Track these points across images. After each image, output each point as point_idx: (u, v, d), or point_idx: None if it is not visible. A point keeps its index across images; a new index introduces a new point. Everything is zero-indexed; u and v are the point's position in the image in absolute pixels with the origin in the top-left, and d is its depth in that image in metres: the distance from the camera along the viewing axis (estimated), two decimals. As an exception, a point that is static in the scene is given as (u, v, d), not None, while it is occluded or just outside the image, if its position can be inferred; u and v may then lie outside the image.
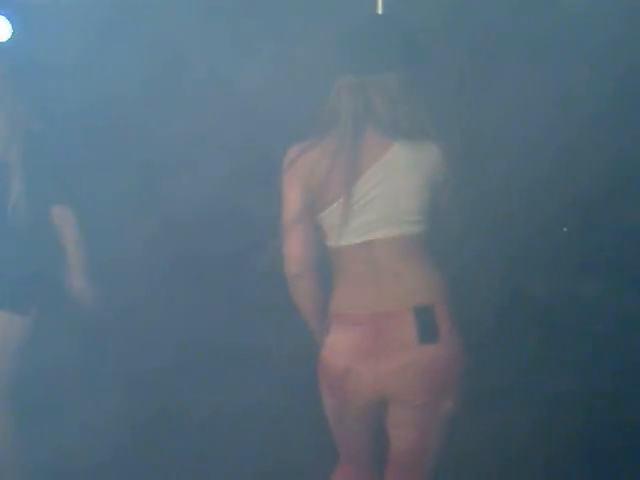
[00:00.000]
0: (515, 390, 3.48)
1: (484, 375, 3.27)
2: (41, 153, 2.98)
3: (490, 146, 3.14)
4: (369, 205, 2.20)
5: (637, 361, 3.44)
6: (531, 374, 3.48)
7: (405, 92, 2.19)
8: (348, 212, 2.19)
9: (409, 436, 2.23)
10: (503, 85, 3.27)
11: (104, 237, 3.28)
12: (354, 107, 2.18)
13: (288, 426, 3.30)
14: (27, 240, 2.97)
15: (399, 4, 2.88)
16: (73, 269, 3.04)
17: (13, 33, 3.26)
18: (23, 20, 3.35)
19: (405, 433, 2.23)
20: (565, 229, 3.69)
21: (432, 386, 2.18)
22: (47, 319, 3.07)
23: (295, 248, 2.25)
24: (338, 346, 2.23)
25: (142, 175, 3.63)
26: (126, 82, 3.43)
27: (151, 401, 3.48)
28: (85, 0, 3.54)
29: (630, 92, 3.38)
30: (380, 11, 2.68)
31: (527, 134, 3.30)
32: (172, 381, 3.53)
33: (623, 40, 3.30)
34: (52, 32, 3.46)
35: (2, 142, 2.95)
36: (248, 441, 3.37)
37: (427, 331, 2.15)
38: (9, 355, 2.98)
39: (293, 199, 2.25)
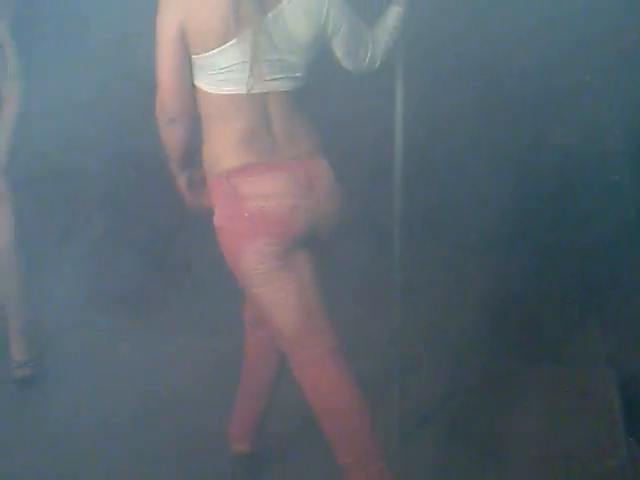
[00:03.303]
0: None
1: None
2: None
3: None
4: (263, 53, 2.13)
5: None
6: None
7: None
8: (253, 56, 2.12)
9: (314, 264, 2.32)
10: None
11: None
12: None
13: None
14: None
15: None
16: None
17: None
18: None
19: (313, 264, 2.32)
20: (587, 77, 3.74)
21: (339, 221, 2.32)
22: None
23: (172, 90, 2.16)
24: (277, 190, 2.20)
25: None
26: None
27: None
28: None
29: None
30: None
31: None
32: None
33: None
34: None
35: None
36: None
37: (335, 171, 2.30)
38: None
39: (166, 36, 2.13)
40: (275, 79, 2.17)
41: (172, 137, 2.24)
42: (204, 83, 2.18)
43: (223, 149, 2.21)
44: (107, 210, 3.93)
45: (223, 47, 2.11)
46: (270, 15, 2.12)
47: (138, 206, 3.95)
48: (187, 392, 3.04)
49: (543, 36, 3.70)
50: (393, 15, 2.43)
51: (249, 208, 2.18)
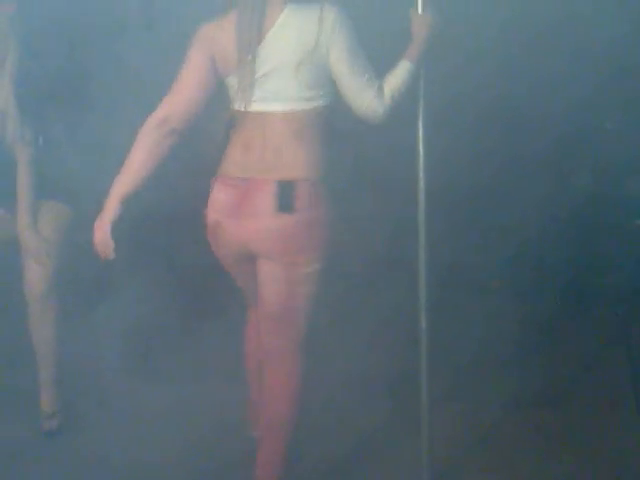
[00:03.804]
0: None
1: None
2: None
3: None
4: (267, 74, 2.37)
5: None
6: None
7: None
8: (247, 79, 2.39)
9: (275, 290, 2.49)
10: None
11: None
12: None
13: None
14: None
15: None
16: (19, 209, 3.03)
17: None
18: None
19: (272, 287, 2.49)
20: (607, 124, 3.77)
21: (289, 248, 2.43)
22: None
23: (187, 104, 2.45)
24: (214, 202, 2.49)
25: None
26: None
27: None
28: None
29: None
30: None
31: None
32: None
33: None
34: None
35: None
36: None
37: (285, 202, 2.40)
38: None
39: (194, 61, 2.44)
40: (271, 100, 2.39)
41: (160, 149, 2.47)
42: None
43: (226, 154, 2.49)
44: (138, 262, 3.96)
45: (234, 72, 2.41)
46: (262, 43, 2.37)
47: (170, 257, 3.98)
48: (216, 440, 3.04)
49: (565, 85, 3.75)
50: (403, 69, 2.45)
51: (208, 214, 2.50)
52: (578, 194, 3.88)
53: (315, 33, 2.34)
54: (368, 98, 2.40)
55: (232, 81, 2.44)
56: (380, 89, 2.41)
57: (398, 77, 2.44)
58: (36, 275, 3.11)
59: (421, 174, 2.62)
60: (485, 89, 3.76)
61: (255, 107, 2.42)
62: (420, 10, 2.50)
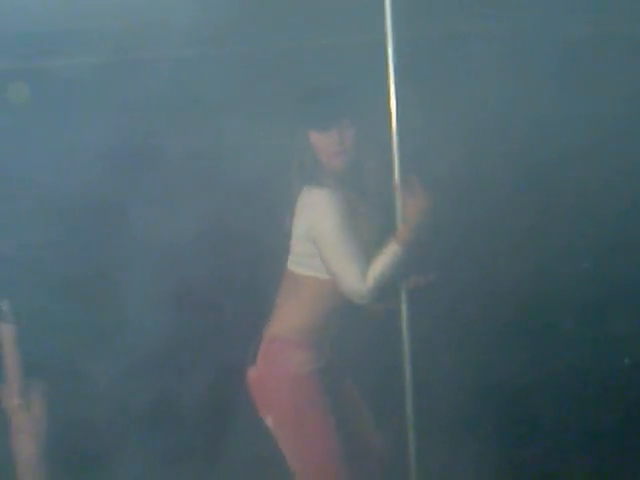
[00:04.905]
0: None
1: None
2: None
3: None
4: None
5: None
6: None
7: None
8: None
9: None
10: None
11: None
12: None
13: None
14: None
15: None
16: (6, 385, 3.11)
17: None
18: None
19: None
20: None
21: (256, 399, 2.68)
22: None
23: None
24: None
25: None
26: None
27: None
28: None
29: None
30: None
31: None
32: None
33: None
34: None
35: None
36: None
37: (252, 357, 2.65)
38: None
39: None
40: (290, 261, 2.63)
41: None
42: None
43: None
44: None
45: None
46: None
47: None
48: None
49: (544, 230, 3.81)
50: (390, 252, 2.46)
51: None
52: (563, 340, 3.88)
53: (308, 215, 2.50)
54: (349, 281, 2.45)
55: None
56: (363, 272, 2.44)
57: (385, 261, 2.45)
58: (26, 447, 3.13)
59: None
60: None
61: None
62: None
